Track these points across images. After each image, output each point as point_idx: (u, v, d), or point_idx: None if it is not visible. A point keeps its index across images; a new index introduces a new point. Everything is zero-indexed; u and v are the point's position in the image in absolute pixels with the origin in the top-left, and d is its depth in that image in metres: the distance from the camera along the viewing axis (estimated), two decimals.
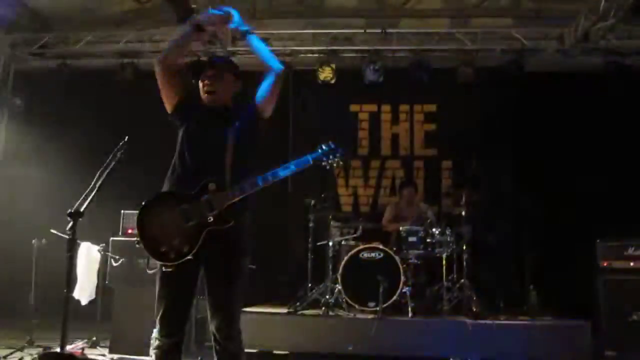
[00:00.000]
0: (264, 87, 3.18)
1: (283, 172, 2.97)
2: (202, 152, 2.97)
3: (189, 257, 2.81)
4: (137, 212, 2.96)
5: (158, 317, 2.90)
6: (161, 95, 3.19)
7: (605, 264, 5.56)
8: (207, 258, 2.89)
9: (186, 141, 3.03)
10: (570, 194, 6.87)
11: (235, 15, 3.24)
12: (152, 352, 2.95)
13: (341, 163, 3.11)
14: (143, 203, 2.96)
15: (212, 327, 2.91)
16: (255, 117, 3.15)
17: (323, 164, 3.07)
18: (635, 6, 5.67)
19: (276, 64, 3.20)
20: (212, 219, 2.84)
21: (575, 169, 6.98)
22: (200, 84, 3.14)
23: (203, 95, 3.13)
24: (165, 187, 3.04)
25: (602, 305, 5.43)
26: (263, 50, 3.27)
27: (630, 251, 5.47)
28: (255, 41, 3.27)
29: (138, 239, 2.92)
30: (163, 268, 2.87)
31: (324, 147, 3.09)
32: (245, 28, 3.24)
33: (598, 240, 5.64)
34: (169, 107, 3.19)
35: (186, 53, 3.26)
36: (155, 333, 2.95)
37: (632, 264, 5.42)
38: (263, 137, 3.22)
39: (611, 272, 5.49)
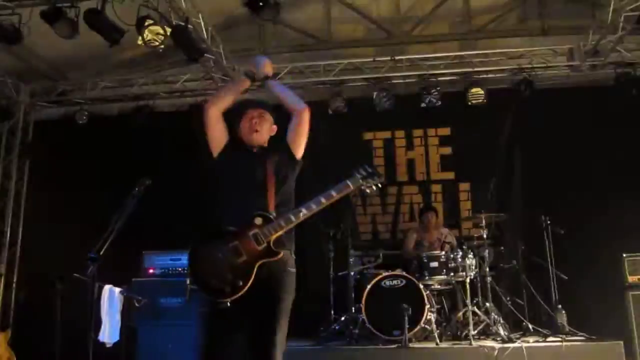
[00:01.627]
0: (291, 129, 3.27)
1: (324, 199, 2.98)
2: (247, 191, 3.04)
3: (243, 290, 2.82)
4: (188, 253, 2.98)
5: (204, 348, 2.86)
6: (208, 139, 3.27)
7: (633, 279, 5.43)
8: (252, 304, 2.86)
9: (231, 180, 3.11)
10: (593, 209, 6.75)
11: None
12: None
13: (379, 186, 3.12)
14: (192, 245, 2.99)
15: None
16: (289, 157, 3.24)
17: (362, 187, 3.07)
18: None
19: (299, 104, 3.29)
20: (261, 252, 2.88)
21: (595, 184, 6.87)
22: (246, 123, 3.24)
23: (248, 134, 3.23)
24: (212, 227, 3.07)
25: (634, 322, 5.28)
26: (284, 91, 3.38)
27: None
28: (275, 85, 3.37)
29: (191, 279, 2.99)
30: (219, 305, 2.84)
31: (361, 171, 3.09)
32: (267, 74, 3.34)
33: (625, 255, 5.52)
34: (216, 150, 3.24)
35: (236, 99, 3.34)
36: None
37: None
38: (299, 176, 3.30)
39: None
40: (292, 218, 2.95)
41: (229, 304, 2.82)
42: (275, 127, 3.35)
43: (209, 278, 2.87)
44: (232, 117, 3.29)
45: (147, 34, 5.68)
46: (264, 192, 3.03)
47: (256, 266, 2.87)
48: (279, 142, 3.30)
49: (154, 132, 7.62)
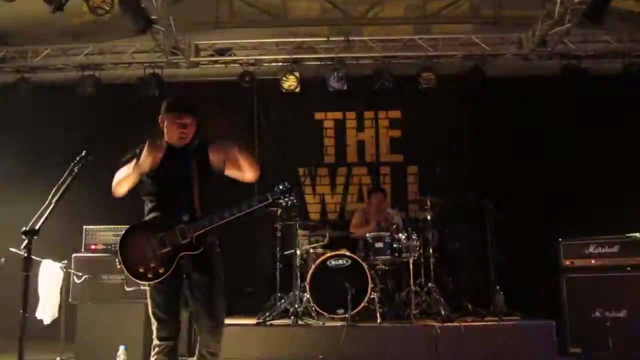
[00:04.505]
0: (233, 167, 3.44)
1: (246, 208, 3.33)
2: (174, 187, 3.35)
3: (166, 276, 3.22)
4: (120, 239, 3.30)
5: (155, 326, 3.29)
6: None
7: (568, 263, 5.67)
8: (187, 276, 3.31)
9: (159, 179, 3.38)
10: (533, 195, 7.00)
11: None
12: (154, 356, 3.27)
13: (295, 202, 3.45)
14: (124, 231, 3.33)
15: (199, 345, 3.32)
16: (209, 161, 3.46)
17: (279, 201, 3.41)
18: (589, 11, 5.83)
19: (255, 172, 3.46)
20: (184, 245, 3.26)
21: (537, 171, 7.10)
22: (175, 128, 3.42)
23: (175, 139, 3.44)
24: (145, 217, 3.43)
25: (566, 303, 5.53)
26: (250, 159, 3.44)
27: (591, 249, 5.59)
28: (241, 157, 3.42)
29: (119, 260, 3.27)
30: (146, 285, 3.30)
31: (280, 187, 3.39)
32: None
33: (560, 240, 5.75)
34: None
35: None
36: (155, 341, 3.30)
37: (592, 261, 5.54)
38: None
39: (573, 271, 5.60)
40: (216, 220, 3.30)
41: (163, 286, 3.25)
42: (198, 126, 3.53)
43: (136, 263, 3.24)
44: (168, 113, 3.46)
45: (93, 1, 5.46)
46: (190, 189, 3.35)
47: (177, 257, 3.25)
48: (205, 141, 3.52)
49: (100, 103, 7.39)
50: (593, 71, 7.20)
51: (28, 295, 3.38)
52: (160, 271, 3.21)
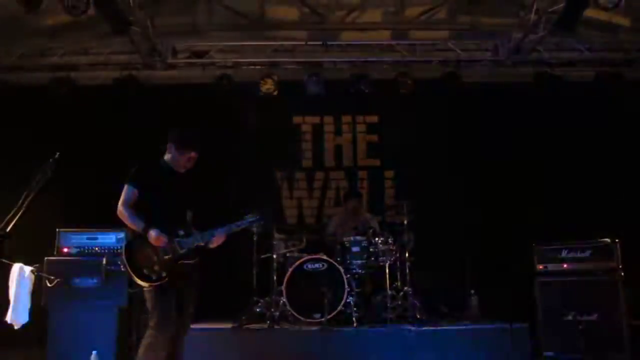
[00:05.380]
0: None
1: (229, 230, 4.15)
2: (171, 206, 4.02)
3: (166, 279, 3.88)
4: (125, 245, 3.99)
5: (160, 319, 3.88)
6: None
7: (541, 267, 5.75)
8: (180, 281, 4.00)
9: (159, 195, 3.99)
10: (507, 200, 7.10)
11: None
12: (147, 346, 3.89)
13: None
14: (129, 240, 4.09)
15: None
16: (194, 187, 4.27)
17: (252, 228, 4.75)
18: (560, 20, 5.94)
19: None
20: (182, 254, 3.97)
21: (511, 176, 7.21)
22: (184, 159, 4.16)
23: (180, 167, 4.16)
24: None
25: (539, 307, 5.61)
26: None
27: (564, 254, 5.68)
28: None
29: (125, 265, 3.88)
30: (149, 286, 3.90)
31: (251, 218, 4.28)
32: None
33: (534, 244, 5.84)
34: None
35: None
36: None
37: (565, 266, 5.63)
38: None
39: (547, 275, 5.69)
40: (207, 237, 4.08)
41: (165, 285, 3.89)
42: None
43: (142, 267, 3.86)
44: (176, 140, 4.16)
45: (68, 0, 5.39)
46: (184, 209, 4.12)
47: (177, 263, 3.94)
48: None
49: (73, 106, 7.30)
50: (566, 78, 7.33)
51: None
52: (163, 274, 3.86)
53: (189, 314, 4.10)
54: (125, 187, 4.01)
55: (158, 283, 3.85)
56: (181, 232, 3.98)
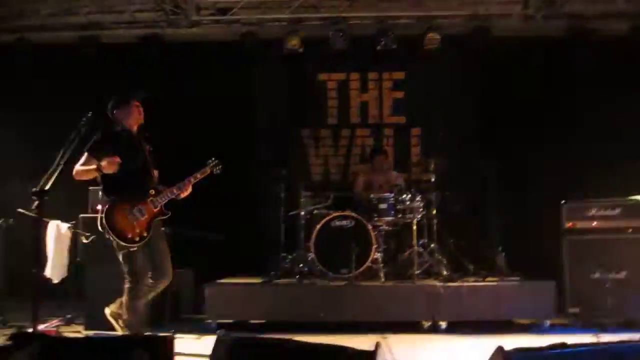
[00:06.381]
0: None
1: (193, 180, 4.41)
2: (137, 169, 4.33)
3: (148, 238, 4.27)
4: (105, 211, 4.19)
5: (132, 273, 4.28)
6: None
7: (569, 225, 5.72)
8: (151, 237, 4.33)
9: (125, 165, 4.22)
10: (536, 157, 7.02)
11: None
12: (129, 294, 4.29)
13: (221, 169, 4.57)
14: (106, 208, 4.20)
15: (151, 278, 4.34)
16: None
17: (214, 171, 4.54)
18: None
19: None
20: (157, 212, 4.31)
21: (541, 132, 7.10)
22: (134, 111, 4.44)
23: (135, 121, 4.43)
24: (119, 195, 4.28)
25: (566, 264, 5.60)
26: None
27: (594, 212, 5.62)
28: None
29: (109, 232, 4.15)
30: (130, 248, 4.23)
31: (213, 160, 4.55)
32: None
33: (563, 202, 5.80)
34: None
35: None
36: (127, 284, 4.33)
37: (594, 224, 5.59)
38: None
39: (575, 233, 5.65)
40: (175, 192, 4.36)
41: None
42: None
43: (125, 231, 4.18)
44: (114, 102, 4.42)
45: None
46: (149, 170, 4.41)
47: (154, 222, 4.29)
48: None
49: (101, 65, 7.34)
50: (599, 32, 7.10)
51: (40, 255, 3.46)
52: (144, 235, 4.22)
53: (165, 263, 4.41)
54: (85, 154, 4.24)
55: (142, 242, 4.21)
56: (152, 192, 4.31)
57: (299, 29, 7.37)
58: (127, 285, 4.30)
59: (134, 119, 4.43)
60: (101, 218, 4.17)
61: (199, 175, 4.43)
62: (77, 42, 7.33)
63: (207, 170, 4.48)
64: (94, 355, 2.64)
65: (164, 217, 4.39)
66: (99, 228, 4.22)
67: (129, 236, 4.18)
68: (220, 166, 4.55)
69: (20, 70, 7.41)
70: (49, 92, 7.30)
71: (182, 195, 4.40)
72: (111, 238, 4.19)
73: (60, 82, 7.31)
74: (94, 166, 4.16)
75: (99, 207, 4.38)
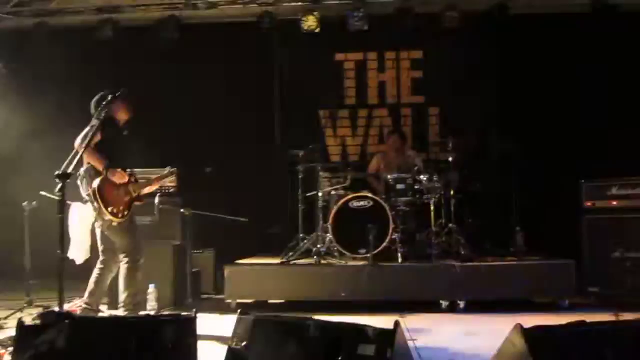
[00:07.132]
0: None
1: (156, 180, 5.13)
2: (123, 161, 4.74)
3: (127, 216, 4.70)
4: (96, 189, 4.46)
5: (133, 249, 4.74)
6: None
7: (589, 204, 5.68)
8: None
9: (115, 150, 4.63)
10: (555, 136, 6.95)
11: None
12: (129, 266, 4.73)
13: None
14: (98, 185, 4.48)
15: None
16: None
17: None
18: None
19: None
20: (135, 197, 4.80)
21: (561, 111, 7.01)
22: (131, 110, 4.83)
23: (127, 116, 4.83)
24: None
25: (586, 244, 5.57)
26: None
27: (614, 191, 5.57)
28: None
29: (100, 203, 4.46)
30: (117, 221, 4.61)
31: (169, 169, 5.29)
32: None
33: (582, 181, 5.74)
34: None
35: None
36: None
37: (614, 203, 5.54)
38: None
39: (594, 212, 5.61)
40: (146, 184, 4.96)
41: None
42: None
43: (112, 205, 4.55)
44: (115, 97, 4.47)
45: None
46: (128, 160, 4.84)
47: (133, 202, 4.78)
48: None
49: (118, 48, 7.38)
50: (623, 8, 6.95)
51: (64, 236, 3.53)
52: (125, 213, 4.65)
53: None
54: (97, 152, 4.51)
55: (123, 219, 4.63)
56: (132, 179, 4.82)
57: (316, 9, 7.33)
58: (125, 264, 4.72)
59: (128, 114, 4.84)
60: (95, 190, 4.46)
61: (161, 178, 5.16)
62: (95, 24, 7.36)
63: (166, 175, 5.21)
64: (122, 334, 2.71)
65: (139, 204, 4.90)
66: (90, 198, 4.50)
67: (114, 211, 4.54)
68: (174, 173, 5.38)
69: (39, 53, 7.46)
70: (68, 76, 7.36)
71: (148, 191, 5.04)
72: (99, 208, 4.47)
73: (78, 66, 7.37)
74: (101, 167, 4.50)
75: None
